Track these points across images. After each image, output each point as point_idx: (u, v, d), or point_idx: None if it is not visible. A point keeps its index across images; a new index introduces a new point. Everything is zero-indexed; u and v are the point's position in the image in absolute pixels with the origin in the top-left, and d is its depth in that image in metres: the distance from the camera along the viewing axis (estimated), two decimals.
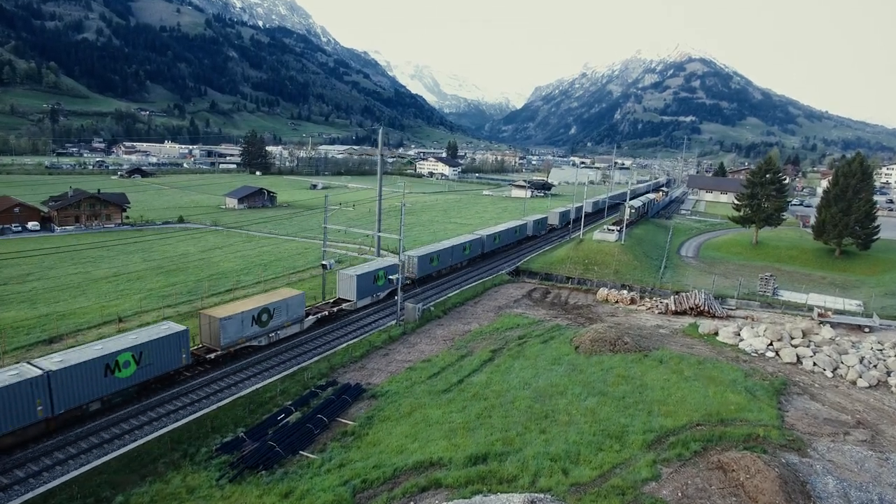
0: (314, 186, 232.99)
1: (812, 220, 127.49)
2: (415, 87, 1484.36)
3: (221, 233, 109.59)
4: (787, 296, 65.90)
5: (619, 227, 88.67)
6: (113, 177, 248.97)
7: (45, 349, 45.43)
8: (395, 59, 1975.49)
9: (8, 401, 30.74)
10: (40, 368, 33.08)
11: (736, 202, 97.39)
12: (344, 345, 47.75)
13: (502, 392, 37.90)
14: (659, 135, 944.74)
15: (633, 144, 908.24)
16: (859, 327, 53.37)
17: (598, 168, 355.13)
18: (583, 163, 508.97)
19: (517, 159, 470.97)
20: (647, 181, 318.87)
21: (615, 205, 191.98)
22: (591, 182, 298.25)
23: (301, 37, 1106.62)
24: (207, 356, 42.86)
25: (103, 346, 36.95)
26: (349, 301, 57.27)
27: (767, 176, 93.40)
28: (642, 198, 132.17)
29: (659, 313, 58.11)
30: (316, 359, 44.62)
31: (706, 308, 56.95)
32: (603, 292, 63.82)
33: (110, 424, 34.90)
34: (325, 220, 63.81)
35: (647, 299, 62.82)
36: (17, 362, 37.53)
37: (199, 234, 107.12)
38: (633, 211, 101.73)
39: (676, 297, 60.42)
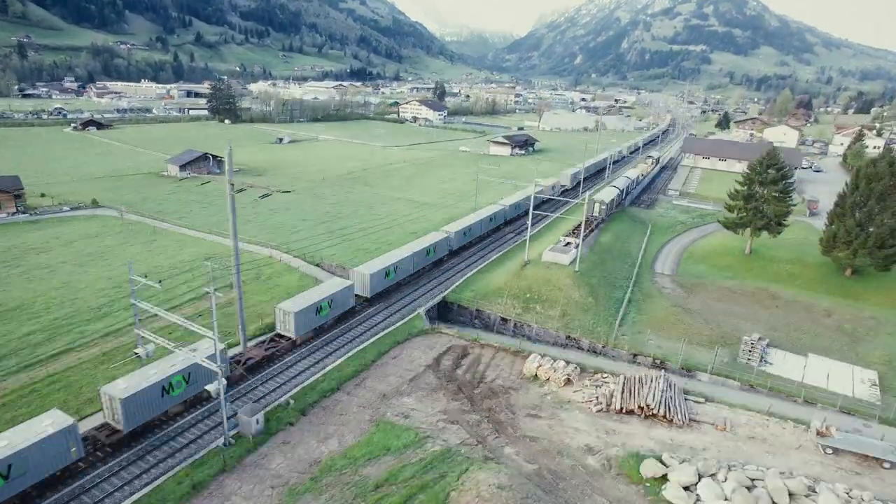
0: (280, 140, 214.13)
1: (819, 206, 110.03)
2: (414, 14, 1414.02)
3: (126, 227, 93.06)
4: (776, 365, 49.96)
5: (577, 242, 70.98)
6: (66, 129, 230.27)
7: None
8: None
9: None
10: None
11: (728, 201, 79.01)
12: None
13: None
14: (667, 65, 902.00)
15: (639, 76, 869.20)
16: (875, 459, 37.77)
17: (595, 114, 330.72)
18: (583, 99, 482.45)
19: (513, 98, 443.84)
20: (644, 126, 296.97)
21: (610, 166, 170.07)
22: (586, 129, 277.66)
23: None
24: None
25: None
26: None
27: (770, 171, 75.08)
28: (620, 182, 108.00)
29: (598, 410, 42.67)
30: None
31: (661, 411, 41.41)
32: (532, 364, 48.06)
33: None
34: (134, 297, 43.09)
35: (587, 380, 47.07)
36: None
37: (96, 231, 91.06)
38: (602, 207, 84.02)
39: (626, 382, 44.76)
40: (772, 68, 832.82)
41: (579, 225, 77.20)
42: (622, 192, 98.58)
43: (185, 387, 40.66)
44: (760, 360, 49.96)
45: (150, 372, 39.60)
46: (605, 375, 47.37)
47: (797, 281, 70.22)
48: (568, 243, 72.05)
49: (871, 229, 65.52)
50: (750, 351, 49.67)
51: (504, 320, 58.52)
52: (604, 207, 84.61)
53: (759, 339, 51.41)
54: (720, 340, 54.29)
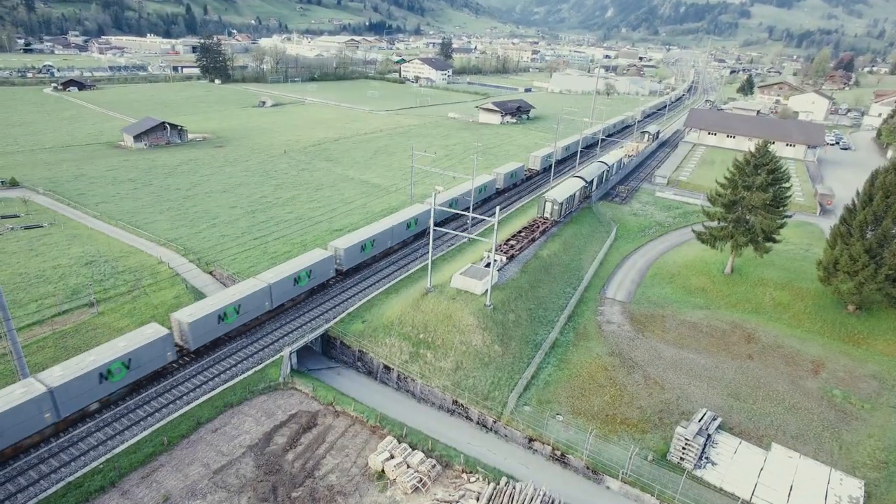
0: (262, 104, 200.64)
1: (835, 201, 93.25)
2: None
3: (27, 216, 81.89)
4: (722, 466, 36.06)
5: (501, 262, 56.39)
6: (46, 89, 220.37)
7: None
8: None
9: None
10: None
11: (707, 204, 62.71)
12: None
13: None
14: (703, 19, 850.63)
15: (672, 31, 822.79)
16: None
17: (614, 73, 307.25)
18: (606, 56, 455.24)
19: (529, 55, 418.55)
20: (660, 89, 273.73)
21: (620, 131, 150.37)
22: (598, 93, 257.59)
23: None
24: None
25: None
26: None
27: (760, 174, 57.62)
28: (591, 170, 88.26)
29: None
30: None
31: None
32: (380, 456, 35.67)
33: None
34: None
35: (448, 483, 34.54)
36: None
37: None
38: (556, 207, 68.84)
39: (495, 495, 32.16)
40: (817, 22, 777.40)
41: (522, 230, 62.83)
42: (589, 184, 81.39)
43: None
44: (699, 459, 36.42)
45: None
46: (473, 477, 34.76)
47: (785, 314, 55.34)
48: (487, 268, 53.88)
49: (883, 260, 49.72)
50: (684, 448, 36.18)
51: (387, 369, 46.03)
52: (557, 208, 69.56)
53: (709, 418, 37.81)
54: (655, 417, 40.76)
